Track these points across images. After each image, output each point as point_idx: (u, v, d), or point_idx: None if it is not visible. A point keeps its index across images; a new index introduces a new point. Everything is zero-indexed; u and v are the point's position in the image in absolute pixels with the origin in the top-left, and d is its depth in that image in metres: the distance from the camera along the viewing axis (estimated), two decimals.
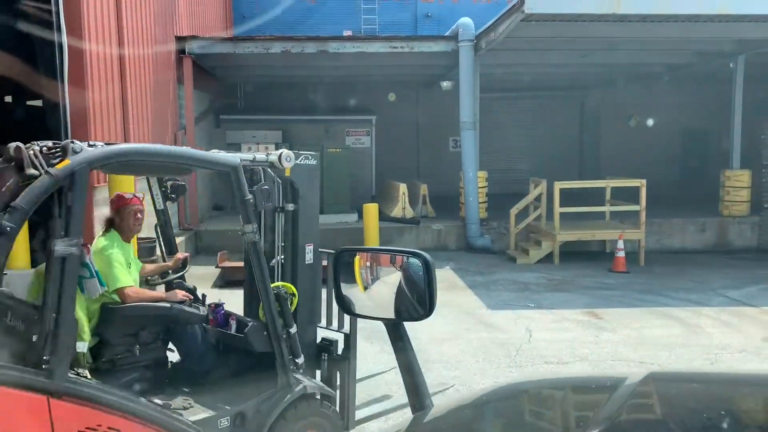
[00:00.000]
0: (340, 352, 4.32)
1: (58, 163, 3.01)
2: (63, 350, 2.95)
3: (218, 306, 4.19)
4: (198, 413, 3.56)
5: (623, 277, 10.94)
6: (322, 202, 14.54)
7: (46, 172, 2.96)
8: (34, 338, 2.95)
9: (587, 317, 8.30)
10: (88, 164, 3.09)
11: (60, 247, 2.96)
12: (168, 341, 3.97)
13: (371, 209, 12.66)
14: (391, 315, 1.88)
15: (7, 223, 2.79)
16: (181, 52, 13.12)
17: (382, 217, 13.93)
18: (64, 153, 3.06)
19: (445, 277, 10.61)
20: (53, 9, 8.11)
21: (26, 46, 8.39)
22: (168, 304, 3.88)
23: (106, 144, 3.29)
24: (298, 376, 3.83)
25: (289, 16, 20.41)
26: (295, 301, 4.02)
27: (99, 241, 3.94)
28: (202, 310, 4.08)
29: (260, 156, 3.85)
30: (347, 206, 14.67)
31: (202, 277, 10.70)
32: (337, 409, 4.15)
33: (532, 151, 20.43)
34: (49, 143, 3.20)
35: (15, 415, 2.78)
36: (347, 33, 17.15)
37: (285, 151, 3.94)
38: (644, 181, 12.02)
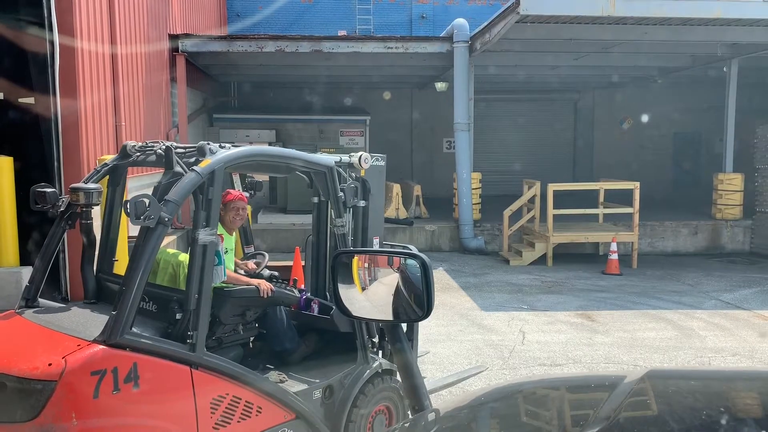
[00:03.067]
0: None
1: (197, 163, 3.42)
2: (203, 327, 3.32)
3: (301, 291, 4.45)
4: (295, 386, 3.86)
5: (616, 279, 10.94)
6: (286, 201, 14.55)
7: (192, 171, 3.37)
8: (178, 316, 3.34)
9: (580, 319, 8.28)
10: (224, 164, 3.50)
11: (202, 235, 3.36)
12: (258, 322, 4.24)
13: None
14: (390, 317, 1.86)
15: (165, 214, 3.18)
16: (174, 50, 13.03)
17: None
18: (201, 154, 3.49)
19: (438, 278, 10.58)
20: (44, 5, 8.02)
21: (17, 43, 8.30)
22: (260, 287, 4.14)
23: (233, 146, 3.70)
24: (372, 355, 4.21)
25: (283, 17, 20.37)
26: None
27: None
28: (296, 293, 4.37)
29: (344, 158, 4.30)
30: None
31: None
32: None
33: (526, 153, 20.46)
34: (181, 145, 3.66)
35: (168, 382, 3.19)
36: (342, 33, 17.09)
37: (363, 154, 4.39)
38: (638, 184, 12.03)
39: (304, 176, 4.27)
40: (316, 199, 4.64)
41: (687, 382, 1.66)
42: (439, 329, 7.61)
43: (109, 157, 4.27)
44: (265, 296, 4.01)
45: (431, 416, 1.63)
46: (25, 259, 8.50)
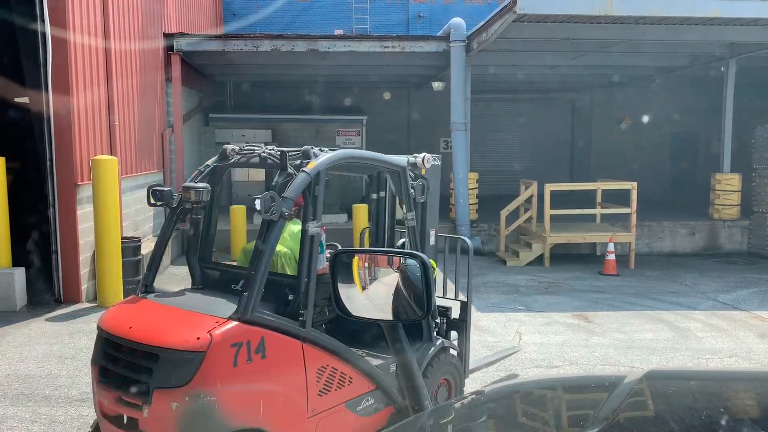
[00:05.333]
0: (455, 316, 5.24)
1: (304, 165, 3.87)
2: (311, 307, 3.79)
3: None
4: (374, 360, 4.27)
5: (613, 280, 10.89)
6: None
7: (303, 172, 3.82)
8: (290, 297, 3.82)
9: (577, 320, 8.22)
10: (326, 165, 3.97)
11: (311, 228, 3.82)
12: None
13: (361, 210, 12.55)
14: (389, 317, 1.89)
15: (285, 210, 3.65)
16: (169, 49, 12.95)
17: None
18: (307, 157, 3.96)
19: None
20: (36, 2, 7.94)
21: (8, 40, 8.22)
22: None
23: (330, 149, 4.15)
24: (434, 335, 4.74)
25: (280, 16, 20.30)
26: (436, 273, 4.71)
27: (292, 226, 4.68)
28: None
29: (410, 158, 4.79)
30: (337, 207, 14.56)
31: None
32: None
33: (524, 153, 20.41)
34: (285, 149, 4.09)
35: (286, 354, 3.66)
36: (338, 32, 17.02)
37: (426, 155, 4.85)
38: (635, 184, 11.99)
39: (365, 175, 4.78)
40: (375, 195, 5.16)
41: (686, 382, 1.67)
42: None
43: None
44: None
45: (431, 416, 1.63)
46: (17, 260, 8.43)
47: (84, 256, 8.68)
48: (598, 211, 12.68)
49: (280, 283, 3.94)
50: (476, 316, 8.32)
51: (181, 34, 13.28)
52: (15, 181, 8.58)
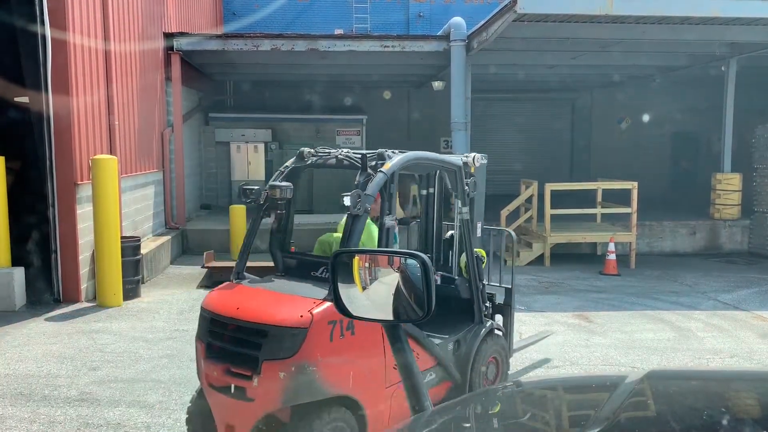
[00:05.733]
0: (500, 301, 5.77)
1: (380, 166, 4.31)
2: None
3: None
4: (435, 340, 4.77)
5: (614, 279, 10.88)
6: (311, 202, 14.49)
7: (380, 172, 4.27)
8: None
9: (578, 320, 8.21)
10: (399, 166, 4.42)
11: (387, 221, 4.30)
12: None
13: None
14: (390, 317, 1.86)
15: (366, 204, 4.11)
16: (169, 48, 12.93)
17: (373, 217, 13.79)
18: (381, 158, 4.40)
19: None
20: (36, 2, 7.92)
21: (8, 40, 8.20)
22: None
23: (399, 152, 4.62)
24: (484, 317, 5.26)
25: (280, 16, 20.29)
26: (485, 261, 5.43)
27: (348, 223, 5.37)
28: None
29: (462, 158, 5.29)
30: (337, 206, 14.50)
31: (187, 277, 10.56)
32: None
33: (524, 153, 20.39)
34: (360, 152, 4.56)
35: (369, 332, 4.05)
36: (338, 32, 16.99)
37: (476, 155, 5.36)
38: (635, 184, 11.97)
39: (415, 175, 5.41)
40: (424, 192, 5.76)
41: (688, 382, 1.66)
42: None
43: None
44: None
45: (431, 416, 1.62)
46: (16, 260, 8.41)
47: (83, 256, 8.67)
48: (598, 210, 12.66)
49: None
50: None
51: (181, 34, 13.26)
52: (15, 180, 8.57)
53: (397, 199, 14.45)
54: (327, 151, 4.78)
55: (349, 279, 1.93)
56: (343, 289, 1.92)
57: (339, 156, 4.63)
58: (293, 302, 4.02)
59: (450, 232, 5.69)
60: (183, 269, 11.29)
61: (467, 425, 1.55)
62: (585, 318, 8.32)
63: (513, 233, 6.22)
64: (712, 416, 1.34)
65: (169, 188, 13.02)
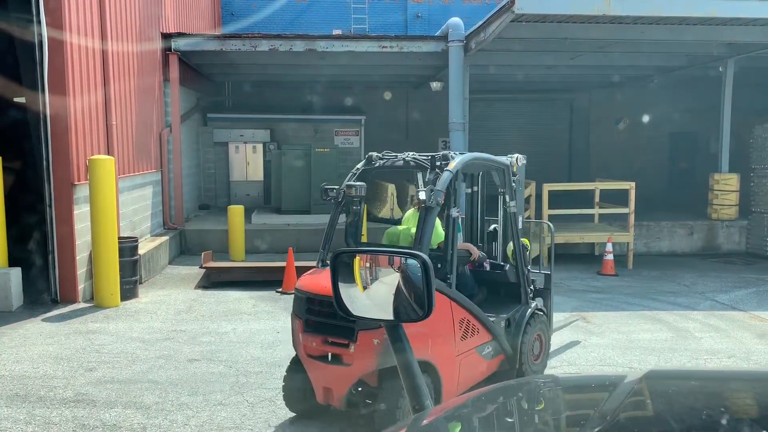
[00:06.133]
0: (540, 286, 6.41)
1: (445, 166, 4.95)
2: (454, 272, 5.00)
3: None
4: (490, 317, 5.44)
5: (612, 280, 10.88)
6: (309, 202, 14.48)
7: (447, 171, 4.91)
8: (439, 265, 4.87)
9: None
10: (462, 165, 5.12)
11: (453, 213, 5.00)
12: None
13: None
14: (390, 316, 1.88)
15: (438, 198, 4.72)
16: (167, 49, 12.93)
17: (370, 217, 13.78)
18: (445, 159, 5.05)
19: None
20: (33, 1, 7.91)
21: (5, 39, 8.19)
22: (471, 251, 5.91)
23: (459, 153, 5.28)
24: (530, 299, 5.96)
25: (279, 17, 20.28)
26: (529, 249, 6.15)
27: (414, 214, 6.11)
28: (484, 255, 6.11)
29: (506, 158, 6.02)
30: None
31: (185, 277, 10.55)
32: None
33: (522, 153, 20.25)
34: (427, 155, 5.21)
35: (441, 308, 4.72)
36: (337, 32, 16.99)
37: (518, 155, 6.18)
38: (633, 184, 11.97)
39: (463, 174, 6.10)
40: (469, 190, 6.43)
41: (687, 382, 1.66)
42: None
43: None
44: (476, 257, 5.86)
45: (432, 416, 1.62)
46: (13, 260, 8.40)
47: (81, 256, 8.66)
48: (596, 211, 12.65)
49: (432, 255, 4.87)
50: None
51: (179, 34, 13.26)
52: (12, 181, 8.56)
53: (395, 199, 14.60)
54: (393, 154, 5.45)
55: (350, 279, 1.94)
56: (344, 289, 1.92)
57: (405, 158, 5.33)
58: None
59: (493, 226, 6.42)
60: (181, 269, 11.28)
61: (467, 424, 1.55)
62: (582, 318, 8.31)
63: (551, 225, 7.08)
64: (711, 416, 1.33)
65: (167, 188, 13.01)
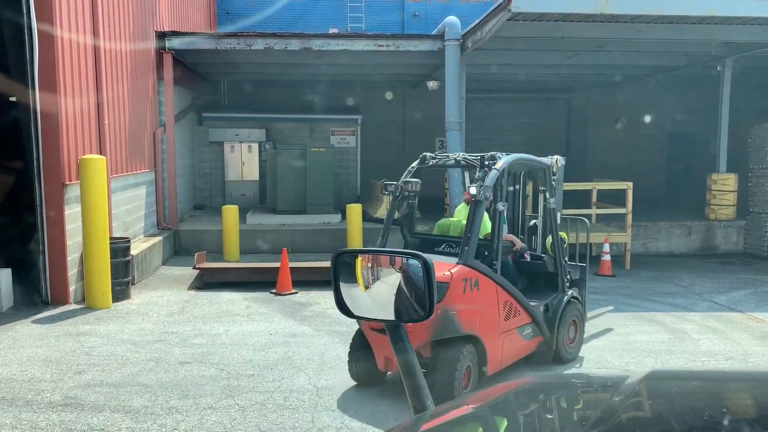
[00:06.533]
0: (576, 277, 7.02)
1: (493, 165, 5.72)
2: (500, 259, 5.73)
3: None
4: (531, 301, 6.10)
5: (609, 280, 10.80)
6: (305, 202, 14.39)
7: (494, 169, 5.67)
8: (486, 253, 5.71)
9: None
10: (508, 165, 5.84)
11: (499, 207, 5.74)
12: None
13: (354, 210, 12.44)
14: (391, 316, 1.88)
15: (486, 193, 5.49)
16: (161, 48, 12.82)
17: (367, 217, 13.70)
18: (493, 159, 5.80)
19: None
20: None
21: None
22: (514, 242, 6.51)
23: (506, 154, 5.98)
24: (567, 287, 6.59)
25: (276, 16, 20.16)
26: (566, 242, 6.75)
27: (464, 207, 6.66)
28: (525, 246, 6.74)
29: (547, 159, 6.61)
30: (331, 207, 14.42)
31: (179, 278, 10.45)
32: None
33: (519, 152, 20.23)
34: (476, 155, 6.00)
35: (487, 289, 5.55)
36: (333, 31, 16.89)
37: (558, 157, 6.70)
38: (630, 184, 11.89)
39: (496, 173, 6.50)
40: (511, 188, 6.99)
41: (689, 382, 1.65)
42: None
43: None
44: (518, 248, 6.44)
45: (433, 416, 1.61)
46: (4, 261, 8.29)
47: (72, 257, 8.55)
48: (593, 211, 12.56)
49: (480, 244, 5.70)
50: None
51: (174, 33, 13.15)
52: (2, 180, 8.45)
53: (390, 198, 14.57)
54: (446, 154, 6.32)
55: (351, 279, 1.95)
56: (345, 289, 1.93)
57: (457, 158, 6.11)
58: (441, 266, 5.15)
59: (533, 221, 7.08)
60: (175, 270, 11.18)
61: (468, 424, 1.54)
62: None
63: (587, 220, 7.72)
64: (713, 417, 1.32)
65: (161, 188, 12.91)
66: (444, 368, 5.09)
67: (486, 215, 5.96)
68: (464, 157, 5.96)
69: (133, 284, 9.52)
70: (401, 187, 6.05)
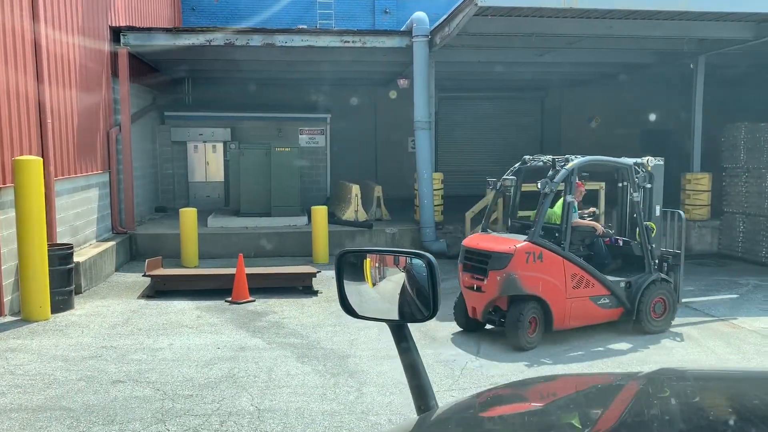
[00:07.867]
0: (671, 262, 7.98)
1: (565, 165, 7.19)
2: (568, 239, 7.10)
3: (612, 233, 8.17)
4: (613, 279, 7.31)
5: None
6: (269, 203, 13.84)
7: (564, 169, 7.15)
8: (556, 234, 7.16)
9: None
10: (578, 166, 7.25)
11: (568, 198, 7.13)
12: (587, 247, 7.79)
13: (320, 212, 11.94)
14: (395, 316, 1.87)
15: (552, 186, 7.02)
16: (116, 43, 12.22)
17: (334, 220, 13.22)
18: (566, 160, 7.30)
19: None
20: None
21: None
22: (596, 227, 7.76)
23: (578, 156, 7.47)
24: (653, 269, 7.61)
25: (243, 12, 19.58)
26: (654, 231, 7.69)
27: (560, 201, 7.48)
28: (611, 232, 8.05)
29: (638, 160, 7.76)
30: (297, 208, 13.91)
31: (131, 285, 9.88)
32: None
33: (492, 152, 19.94)
34: (554, 157, 7.58)
35: (553, 263, 6.98)
36: (300, 27, 16.37)
37: (649, 158, 7.79)
38: (603, 184, 11.58)
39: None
40: (620, 185, 8.08)
41: (698, 381, 1.67)
42: (389, 343, 6.95)
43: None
44: (600, 232, 7.66)
45: (437, 416, 1.59)
46: None
47: (7, 266, 7.94)
48: None
49: (553, 229, 7.27)
50: (435, 326, 7.72)
51: (129, 28, 12.55)
52: None
53: (359, 200, 14.47)
54: (540, 158, 7.81)
55: (355, 278, 1.95)
56: (350, 288, 1.92)
57: (546, 161, 7.65)
58: (508, 242, 7.03)
59: (634, 214, 7.91)
60: (128, 277, 10.60)
61: (472, 423, 1.53)
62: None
63: (683, 213, 8.31)
64: (722, 415, 1.32)
65: (116, 190, 12.29)
66: (512, 316, 6.73)
67: (559, 204, 7.39)
68: (554, 160, 7.43)
69: (79, 293, 8.94)
70: (501, 183, 7.82)
